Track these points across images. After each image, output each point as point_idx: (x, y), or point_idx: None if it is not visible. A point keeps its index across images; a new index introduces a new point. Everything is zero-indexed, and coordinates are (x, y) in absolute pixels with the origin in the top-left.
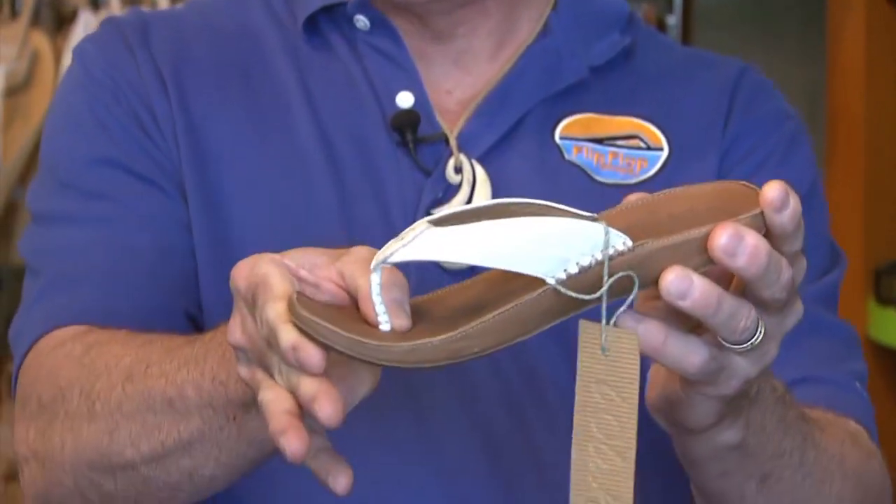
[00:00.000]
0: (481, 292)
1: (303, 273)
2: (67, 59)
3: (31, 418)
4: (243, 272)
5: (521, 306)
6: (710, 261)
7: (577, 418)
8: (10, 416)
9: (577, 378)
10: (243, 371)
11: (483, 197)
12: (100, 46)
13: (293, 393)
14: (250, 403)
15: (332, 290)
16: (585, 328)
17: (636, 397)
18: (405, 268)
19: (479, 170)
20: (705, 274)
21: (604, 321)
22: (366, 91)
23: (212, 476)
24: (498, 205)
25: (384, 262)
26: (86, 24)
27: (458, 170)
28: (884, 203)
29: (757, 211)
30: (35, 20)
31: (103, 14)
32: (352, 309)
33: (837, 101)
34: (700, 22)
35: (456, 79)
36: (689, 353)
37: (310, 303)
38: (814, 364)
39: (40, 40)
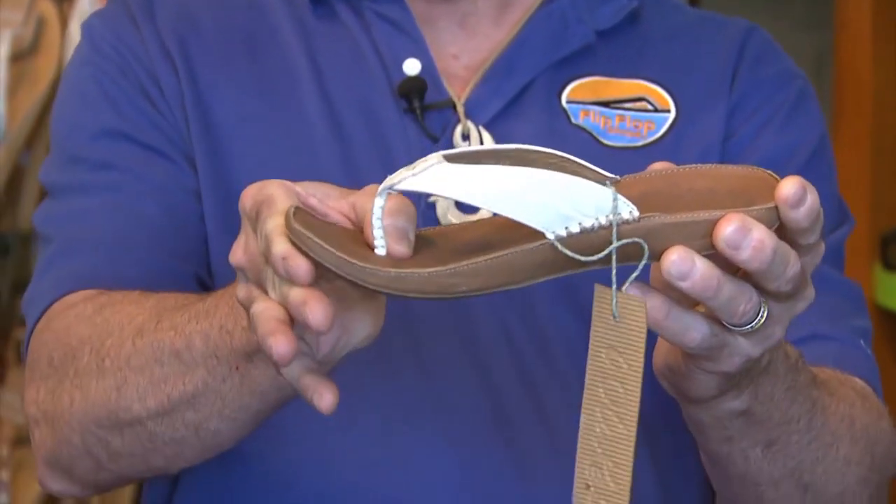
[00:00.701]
0: (487, 234)
1: (312, 201)
2: (74, 26)
3: (41, 379)
4: (251, 192)
5: (515, 255)
6: (712, 245)
7: (589, 383)
8: (18, 382)
9: (591, 343)
10: (241, 292)
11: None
12: (106, 22)
13: (284, 306)
14: (253, 353)
15: (340, 220)
16: (600, 293)
17: (641, 365)
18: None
19: (487, 136)
20: (711, 256)
21: (614, 287)
22: (372, 59)
23: (216, 430)
24: (518, 150)
25: (391, 188)
26: None
27: (466, 136)
28: (891, 169)
29: (772, 204)
30: None
31: None
32: (355, 232)
33: (845, 66)
34: None
35: (462, 42)
36: (689, 330)
37: (308, 218)
38: (819, 320)
39: (46, 6)
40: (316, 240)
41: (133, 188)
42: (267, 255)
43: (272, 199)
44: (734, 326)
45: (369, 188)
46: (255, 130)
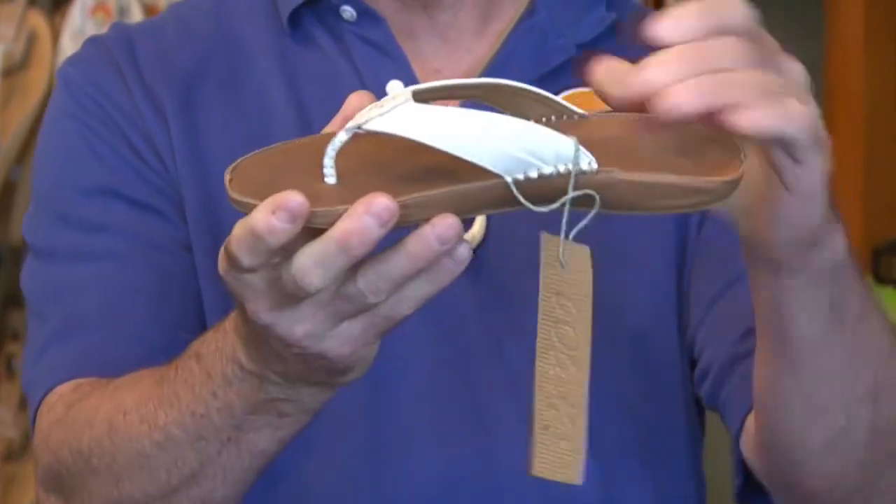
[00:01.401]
0: (449, 159)
1: None
2: (65, 39)
3: (43, 487)
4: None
5: (468, 189)
6: (667, 208)
7: (541, 328)
8: (9, 397)
9: (540, 289)
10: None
11: None
12: (84, 71)
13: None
14: (240, 423)
15: None
16: (547, 241)
17: (590, 310)
18: None
19: None
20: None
21: (563, 235)
22: (354, 83)
23: (223, 496)
24: (488, 83)
25: (358, 127)
26: (83, 4)
27: None
28: (882, 183)
29: (732, 177)
30: (32, 0)
31: None
32: (307, 162)
33: (836, 79)
34: None
35: (444, 56)
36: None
37: (245, 173)
38: None
39: (37, 20)
40: (253, 201)
41: (125, 253)
42: (253, 245)
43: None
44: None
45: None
46: None
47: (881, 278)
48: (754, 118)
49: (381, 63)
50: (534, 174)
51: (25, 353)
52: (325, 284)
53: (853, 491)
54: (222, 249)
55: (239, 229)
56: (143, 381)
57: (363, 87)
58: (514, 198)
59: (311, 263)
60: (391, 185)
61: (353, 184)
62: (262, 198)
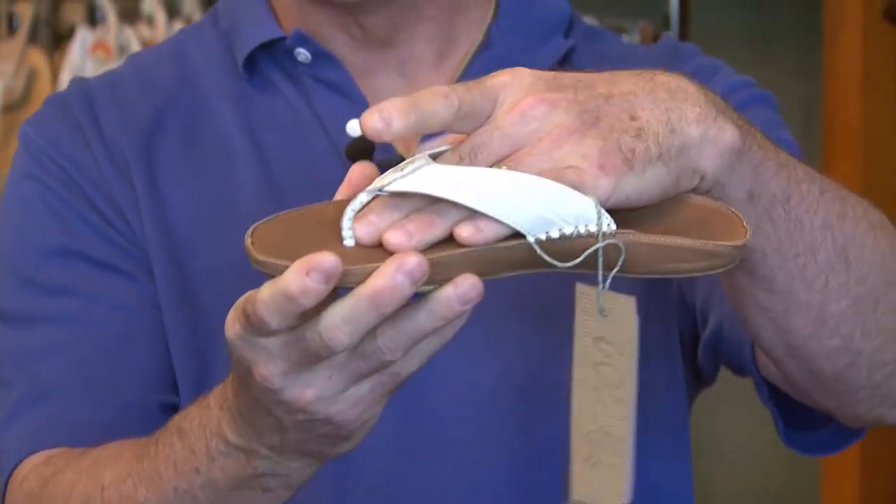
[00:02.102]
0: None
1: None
2: (65, 77)
3: None
4: (227, 320)
5: (493, 250)
6: (681, 271)
7: (577, 370)
8: None
9: (575, 335)
10: (302, 392)
11: None
12: (43, 132)
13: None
14: (224, 499)
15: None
16: (582, 291)
17: (636, 353)
18: None
19: None
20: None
21: (600, 285)
22: (313, 125)
23: None
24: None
25: (380, 190)
26: (83, 42)
27: None
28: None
29: (738, 242)
30: (32, 38)
31: (100, 32)
32: (321, 229)
33: (834, 113)
34: (697, 39)
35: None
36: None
37: (267, 236)
38: None
39: (37, 58)
40: (284, 263)
41: (90, 314)
42: (281, 308)
43: (245, 299)
44: None
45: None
46: (201, 219)
47: None
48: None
49: (339, 104)
50: (555, 234)
51: None
52: (352, 342)
53: (878, 363)
54: (235, 314)
55: (268, 292)
56: (122, 457)
57: (322, 128)
58: (537, 257)
59: (341, 321)
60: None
61: (372, 246)
62: (287, 260)
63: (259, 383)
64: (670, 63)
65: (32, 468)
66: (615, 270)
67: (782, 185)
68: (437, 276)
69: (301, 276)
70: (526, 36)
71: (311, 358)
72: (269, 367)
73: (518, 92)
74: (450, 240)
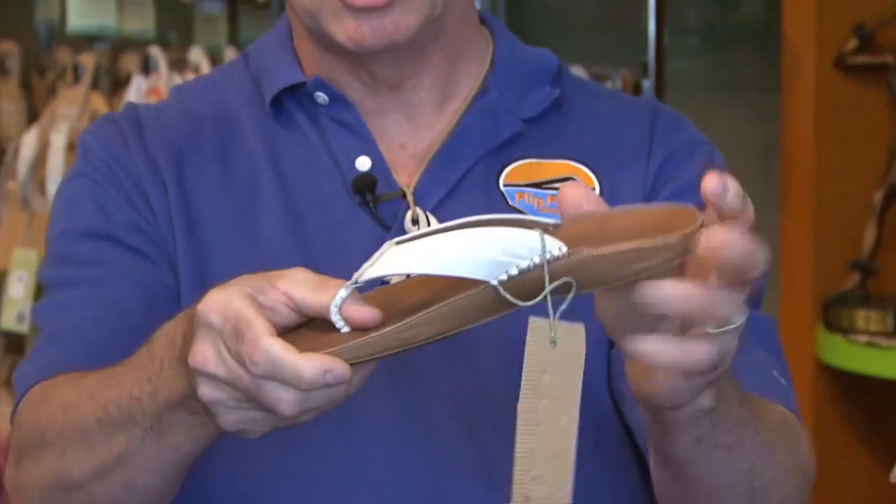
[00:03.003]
0: (428, 286)
1: (261, 299)
2: None
3: (11, 458)
4: (216, 306)
5: (462, 301)
6: (639, 272)
7: (523, 404)
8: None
9: (525, 367)
10: (209, 393)
11: None
12: (98, 138)
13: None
14: (163, 413)
15: (286, 312)
16: (536, 324)
17: (580, 382)
18: None
19: (433, 220)
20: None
21: (552, 317)
22: (327, 159)
23: (145, 486)
24: (460, 224)
25: (356, 282)
26: (137, 88)
27: (416, 221)
28: (831, 244)
29: (691, 229)
30: (94, 84)
31: (153, 79)
32: (312, 325)
33: (790, 152)
34: (671, 86)
35: (408, 133)
36: (702, 353)
37: (297, 338)
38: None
39: (98, 101)
40: (346, 347)
41: (116, 282)
42: (274, 373)
43: (248, 320)
44: (722, 328)
45: (293, 274)
46: (226, 230)
47: (831, 326)
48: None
49: (350, 141)
50: (514, 271)
51: (21, 362)
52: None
53: None
54: (225, 319)
55: (283, 359)
56: (107, 369)
57: (337, 167)
58: (504, 300)
59: (295, 401)
60: (397, 315)
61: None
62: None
63: (192, 364)
64: (651, 129)
65: (39, 387)
66: (571, 295)
67: (737, 414)
68: (422, 336)
69: (319, 373)
70: (518, 85)
71: (244, 393)
72: (208, 361)
73: None
74: (430, 302)
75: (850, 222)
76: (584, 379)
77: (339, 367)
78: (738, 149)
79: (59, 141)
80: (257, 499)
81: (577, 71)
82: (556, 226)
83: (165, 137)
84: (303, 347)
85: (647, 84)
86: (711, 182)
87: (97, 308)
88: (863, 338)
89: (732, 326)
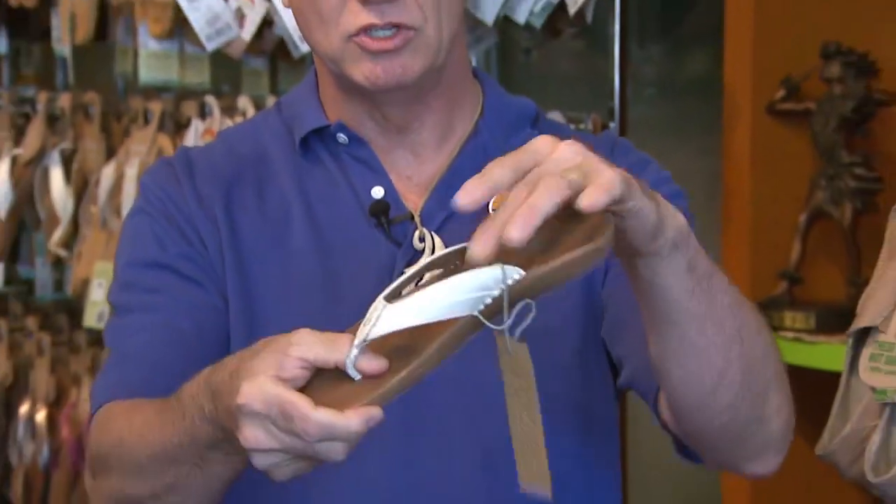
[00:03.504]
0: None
1: (284, 375)
2: None
3: (87, 469)
4: (255, 396)
5: (453, 334)
6: (577, 274)
7: (507, 397)
8: None
9: (503, 372)
10: (262, 461)
11: None
12: (155, 179)
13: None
14: (203, 453)
15: (303, 374)
16: (499, 338)
17: (534, 382)
18: None
19: (437, 238)
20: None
21: (507, 337)
22: (347, 189)
23: (202, 500)
24: (427, 264)
25: (364, 341)
26: (195, 129)
27: (422, 239)
28: (764, 258)
29: (608, 233)
30: (161, 127)
31: (208, 122)
32: (324, 374)
33: (730, 186)
34: (632, 128)
35: (414, 167)
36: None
37: (319, 393)
38: None
39: (164, 141)
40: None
41: (172, 308)
42: (332, 435)
43: (292, 403)
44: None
45: (302, 336)
46: (264, 247)
47: None
48: (589, 198)
49: (366, 175)
50: (489, 301)
51: (97, 376)
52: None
53: (749, 420)
54: (268, 404)
55: (328, 419)
56: (151, 408)
57: (355, 197)
58: (482, 324)
59: (343, 450)
60: (402, 359)
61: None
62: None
63: (245, 445)
64: (611, 154)
65: (106, 409)
66: (532, 314)
67: (707, 266)
68: (427, 370)
69: (364, 423)
70: (504, 128)
71: (295, 454)
72: (261, 441)
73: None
74: (425, 345)
75: (780, 240)
76: (574, 348)
77: (377, 413)
78: (687, 181)
79: (131, 173)
80: (274, 495)
81: (556, 115)
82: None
83: (213, 176)
84: (329, 400)
85: (613, 126)
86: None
87: (156, 332)
88: (790, 334)
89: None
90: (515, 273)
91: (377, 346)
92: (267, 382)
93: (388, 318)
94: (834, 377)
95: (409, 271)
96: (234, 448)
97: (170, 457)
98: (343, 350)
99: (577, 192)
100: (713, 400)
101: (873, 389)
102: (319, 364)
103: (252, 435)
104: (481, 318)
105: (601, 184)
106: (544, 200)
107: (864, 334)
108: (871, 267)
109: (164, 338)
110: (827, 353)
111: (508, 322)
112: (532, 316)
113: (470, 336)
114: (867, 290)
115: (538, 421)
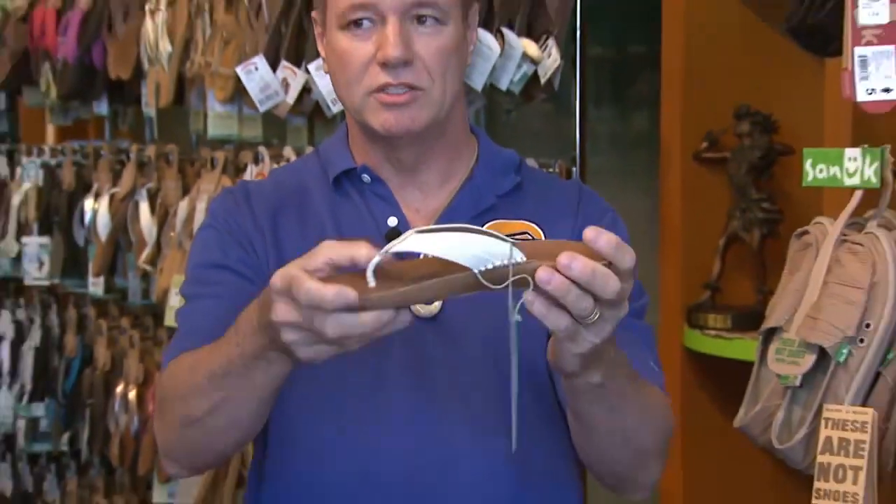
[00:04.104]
0: (431, 266)
1: (308, 266)
2: None
3: (156, 412)
4: (279, 275)
5: (454, 279)
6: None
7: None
8: None
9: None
10: (290, 337)
11: None
12: (221, 204)
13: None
14: (248, 363)
15: (327, 269)
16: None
17: (517, 350)
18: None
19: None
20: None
21: (510, 299)
22: (368, 218)
23: (239, 416)
24: (463, 227)
25: (387, 251)
26: (251, 172)
27: None
28: (692, 273)
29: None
30: (224, 170)
31: (261, 167)
32: (344, 276)
33: (665, 219)
34: (590, 173)
35: (420, 202)
36: (559, 320)
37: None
38: (627, 349)
39: (227, 181)
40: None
41: (229, 296)
42: (313, 304)
43: (297, 277)
44: (581, 319)
45: (328, 243)
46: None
47: (692, 324)
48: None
49: (384, 207)
50: (490, 266)
51: (167, 346)
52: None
53: (625, 476)
54: (303, 320)
55: (331, 292)
56: (210, 345)
57: (375, 224)
58: (479, 283)
59: (343, 330)
60: (405, 283)
61: (386, 285)
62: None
63: (275, 319)
64: (579, 200)
65: (170, 364)
66: (531, 287)
67: (619, 370)
68: (425, 296)
69: (335, 294)
70: (494, 173)
71: (309, 330)
72: (284, 313)
73: None
74: (428, 276)
75: (704, 259)
76: (531, 359)
77: (350, 294)
78: (631, 217)
79: (201, 206)
80: (313, 429)
81: (530, 161)
82: (516, 243)
83: (264, 203)
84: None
85: (575, 171)
86: (589, 232)
87: (217, 313)
88: (712, 332)
89: (586, 320)
90: (519, 255)
91: (401, 268)
92: (289, 267)
93: (412, 241)
94: (747, 366)
95: (452, 225)
96: (274, 356)
97: (224, 371)
98: (361, 251)
99: (604, 289)
100: (599, 458)
101: (778, 376)
102: (341, 260)
103: (279, 308)
104: (480, 277)
105: (607, 327)
106: (608, 286)
107: (771, 333)
108: (775, 280)
109: (222, 318)
110: (741, 348)
111: (501, 286)
112: (530, 289)
113: (464, 291)
114: (773, 298)
115: (515, 382)
